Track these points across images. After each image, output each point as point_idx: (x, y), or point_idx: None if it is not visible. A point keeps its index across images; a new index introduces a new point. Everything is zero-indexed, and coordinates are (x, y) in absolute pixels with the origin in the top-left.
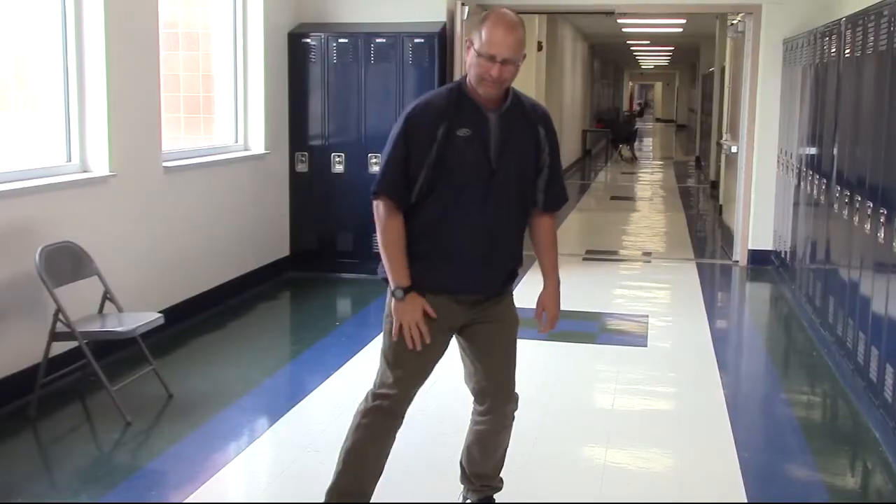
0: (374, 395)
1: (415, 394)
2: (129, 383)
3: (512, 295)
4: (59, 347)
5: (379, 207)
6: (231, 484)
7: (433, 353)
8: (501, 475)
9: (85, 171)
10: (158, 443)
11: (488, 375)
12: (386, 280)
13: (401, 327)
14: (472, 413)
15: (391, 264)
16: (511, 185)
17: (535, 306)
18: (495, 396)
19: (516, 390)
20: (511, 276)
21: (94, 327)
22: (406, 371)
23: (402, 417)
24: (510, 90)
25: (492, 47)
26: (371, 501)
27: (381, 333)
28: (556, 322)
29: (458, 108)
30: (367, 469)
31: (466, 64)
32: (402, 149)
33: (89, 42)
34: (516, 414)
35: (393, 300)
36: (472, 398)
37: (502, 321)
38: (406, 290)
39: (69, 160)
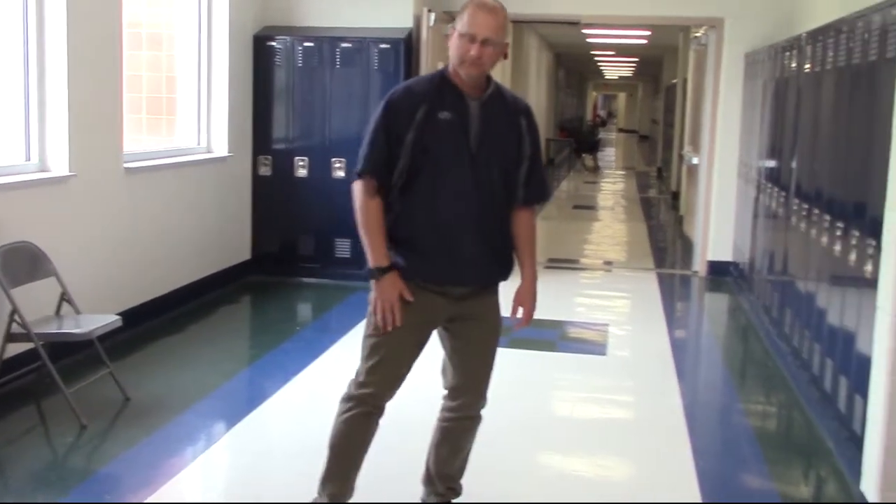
0: (356, 385)
1: (394, 387)
2: (86, 386)
3: (498, 297)
4: (15, 349)
5: (358, 188)
6: (187, 489)
7: (412, 346)
8: (461, 481)
9: (44, 171)
10: (114, 446)
11: (465, 373)
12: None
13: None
14: (441, 409)
15: (370, 244)
16: (493, 174)
17: (510, 306)
18: (468, 395)
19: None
20: (500, 272)
21: (51, 329)
22: (383, 363)
23: (382, 409)
24: (492, 80)
25: (472, 27)
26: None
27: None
28: (532, 319)
29: (439, 92)
30: (347, 459)
31: (449, 52)
32: (383, 130)
33: (50, 40)
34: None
35: (372, 282)
36: (437, 399)
37: (488, 322)
38: (384, 271)
39: (28, 159)
